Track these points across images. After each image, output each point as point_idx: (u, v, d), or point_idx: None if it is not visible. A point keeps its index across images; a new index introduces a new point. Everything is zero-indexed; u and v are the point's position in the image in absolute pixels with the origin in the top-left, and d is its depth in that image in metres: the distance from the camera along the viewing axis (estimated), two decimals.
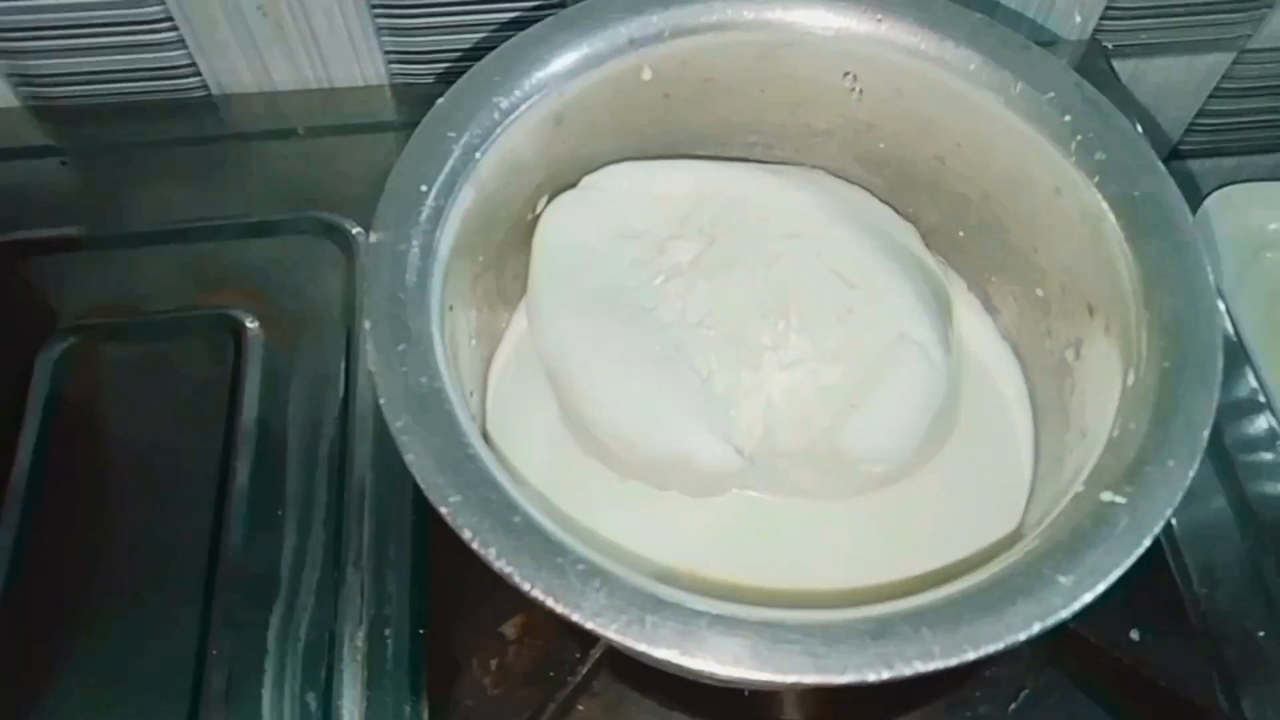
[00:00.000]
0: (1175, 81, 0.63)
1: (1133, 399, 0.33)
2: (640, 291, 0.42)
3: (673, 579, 0.29)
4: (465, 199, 0.37)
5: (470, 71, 0.39)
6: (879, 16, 0.40)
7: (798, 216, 0.44)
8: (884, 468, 0.40)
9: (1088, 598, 0.29)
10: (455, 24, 0.54)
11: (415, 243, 0.35)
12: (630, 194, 0.44)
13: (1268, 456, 0.46)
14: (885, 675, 0.27)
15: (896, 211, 0.47)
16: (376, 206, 0.36)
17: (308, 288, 0.50)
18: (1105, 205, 0.37)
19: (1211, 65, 0.62)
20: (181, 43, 0.54)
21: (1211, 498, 0.45)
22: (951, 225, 0.46)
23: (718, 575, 0.38)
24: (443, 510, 0.30)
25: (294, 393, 0.47)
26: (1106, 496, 0.31)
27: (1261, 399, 0.48)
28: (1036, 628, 0.28)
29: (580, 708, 0.38)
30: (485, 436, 0.41)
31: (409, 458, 0.30)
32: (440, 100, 0.38)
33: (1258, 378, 0.48)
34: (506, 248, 0.42)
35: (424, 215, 0.36)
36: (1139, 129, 0.38)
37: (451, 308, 0.37)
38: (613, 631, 0.28)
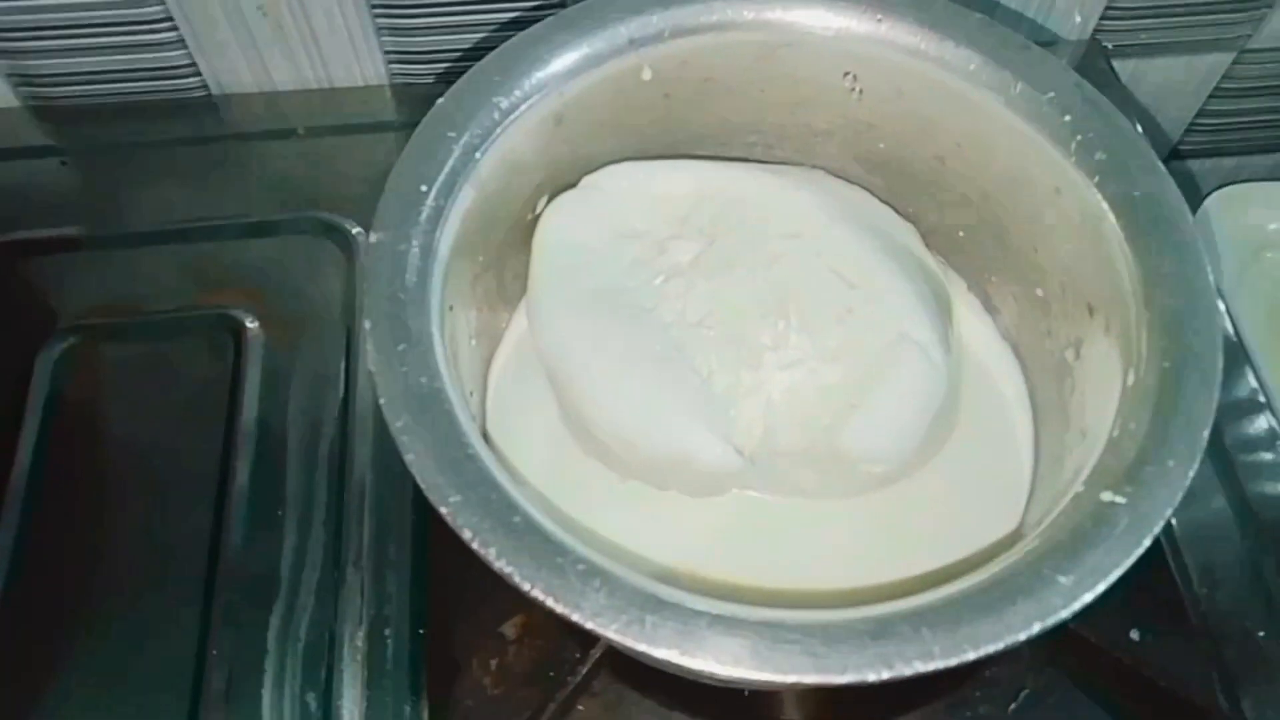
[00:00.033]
0: (1175, 81, 0.63)
1: (1133, 399, 0.33)
2: (640, 291, 0.42)
3: (673, 579, 0.29)
4: (465, 199, 0.37)
5: (470, 71, 0.39)
6: (879, 16, 0.40)
7: (798, 216, 0.44)
8: (884, 468, 0.40)
9: (1087, 598, 0.29)
10: (455, 24, 0.54)
11: (415, 243, 0.35)
12: (630, 194, 0.44)
13: (1268, 456, 0.46)
14: (885, 675, 0.27)
15: (896, 211, 0.47)
16: (376, 206, 0.36)
17: (308, 288, 0.50)
18: (1105, 205, 0.37)
19: (1211, 65, 0.62)
20: (181, 43, 0.54)
21: (1212, 497, 0.45)
22: (951, 225, 0.46)
23: (718, 575, 0.38)
24: (442, 510, 0.30)
25: (294, 393, 0.47)
26: (1106, 496, 0.31)
27: (1262, 399, 0.48)
28: (1036, 628, 0.28)
29: (580, 708, 0.38)
30: (485, 436, 0.41)
31: (409, 458, 0.30)
32: (440, 100, 0.38)
33: (1258, 378, 0.48)
34: (506, 248, 0.42)
35: (424, 215, 0.36)
36: (1139, 129, 0.38)
37: (451, 308, 0.37)
38: (613, 631, 0.28)
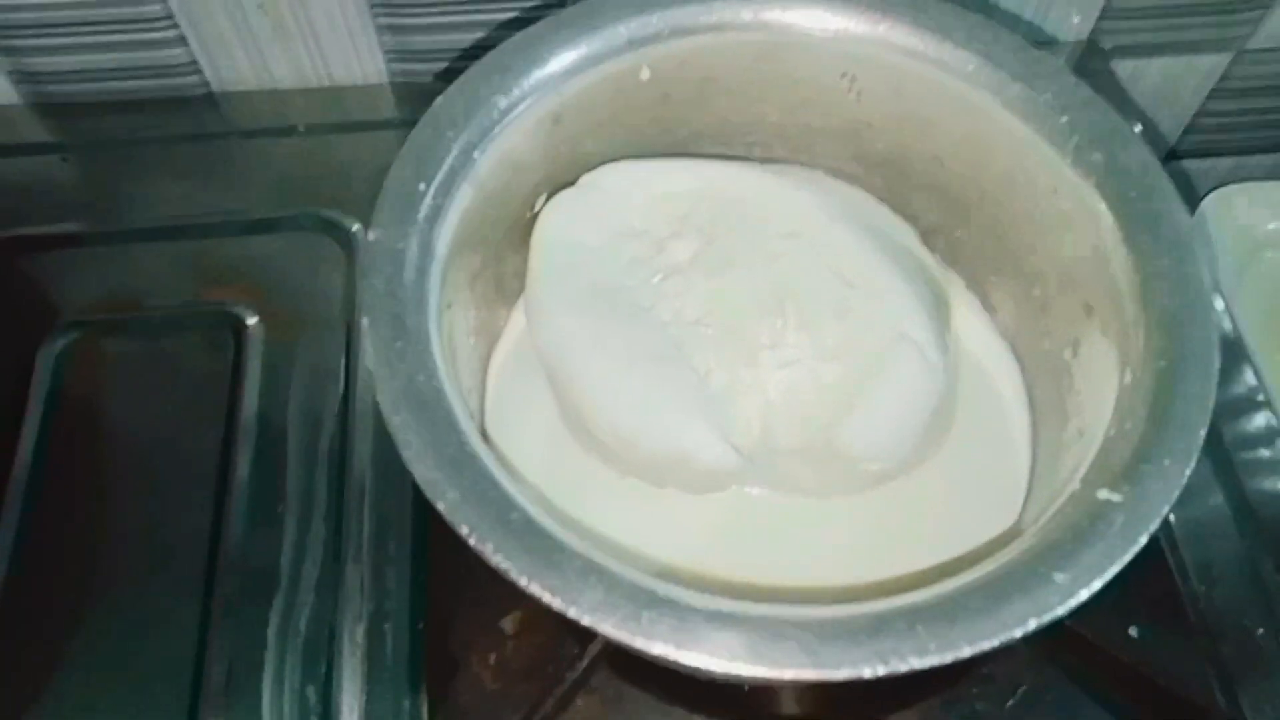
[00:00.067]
0: (1173, 82, 0.63)
1: (1130, 398, 0.33)
2: (639, 290, 0.42)
3: (671, 576, 0.29)
4: (464, 197, 0.37)
5: (469, 70, 0.39)
6: (877, 17, 0.41)
7: (796, 216, 0.44)
8: (882, 466, 0.40)
9: (1084, 595, 0.29)
10: (455, 23, 0.55)
11: (414, 240, 0.35)
12: (629, 192, 0.44)
13: (1266, 454, 0.46)
14: (881, 671, 0.27)
15: (895, 211, 0.47)
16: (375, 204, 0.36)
17: (308, 284, 0.50)
18: (1103, 205, 0.37)
19: (1210, 65, 0.62)
20: (182, 40, 0.54)
21: (1210, 495, 0.45)
22: (950, 225, 0.46)
23: (716, 572, 0.38)
24: (440, 506, 0.30)
25: (294, 389, 0.47)
26: (1103, 495, 0.31)
27: (1260, 397, 0.48)
28: (1033, 625, 0.28)
29: (579, 703, 0.39)
30: (484, 434, 0.41)
31: (407, 454, 0.30)
32: (439, 98, 0.38)
33: (1257, 376, 0.48)
34: (505, 246, 0.43)
35: (422, 213, 0.36)
36: (1137, 129, 0.38)
37: (450, 305, 0.37)
38: (609, 627, 0.28)
